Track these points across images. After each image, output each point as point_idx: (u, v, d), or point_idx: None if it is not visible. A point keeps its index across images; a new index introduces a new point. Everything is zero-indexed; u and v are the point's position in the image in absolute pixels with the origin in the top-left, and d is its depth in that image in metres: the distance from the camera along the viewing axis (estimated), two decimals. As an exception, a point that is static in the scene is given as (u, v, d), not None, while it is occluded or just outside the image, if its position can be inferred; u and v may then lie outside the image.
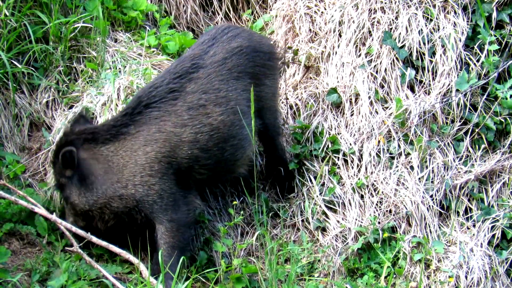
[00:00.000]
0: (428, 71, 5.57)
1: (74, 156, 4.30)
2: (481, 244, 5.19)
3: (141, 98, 4.44)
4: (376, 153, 5.31)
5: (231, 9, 6.44)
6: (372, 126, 5.34)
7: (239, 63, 4.72)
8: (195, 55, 4.66)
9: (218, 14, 6.41)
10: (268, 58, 4.96)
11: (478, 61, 5.65)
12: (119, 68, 5.37)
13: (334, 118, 5.48)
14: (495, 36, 5.65)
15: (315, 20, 5.83)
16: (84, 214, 4.42)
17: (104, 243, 4.21)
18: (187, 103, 4.46)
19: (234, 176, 4.96)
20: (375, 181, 5.23)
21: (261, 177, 5.41)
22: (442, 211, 5.33)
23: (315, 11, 5.85)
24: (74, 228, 4.22)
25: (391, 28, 5.59)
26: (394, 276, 4.91)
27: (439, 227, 5.26)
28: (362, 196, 5.23)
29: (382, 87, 5.52)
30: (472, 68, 5.64)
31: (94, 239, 4.21)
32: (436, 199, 5.28)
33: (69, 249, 4.24)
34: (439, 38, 5.59)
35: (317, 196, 5.23)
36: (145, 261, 4.53)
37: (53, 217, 4.21)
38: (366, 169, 5.27)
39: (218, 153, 4.54)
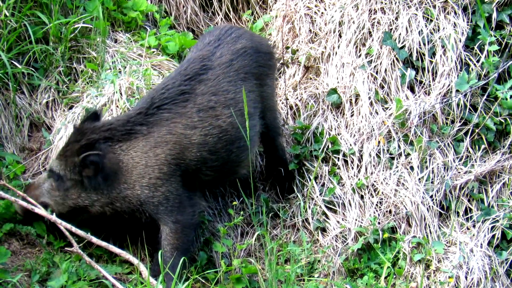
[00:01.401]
0: (428, 71, 5.57)
1: (99, 163, 4.22)
2: (481, 244, 5.19)
3: (154, 100, 4.43)
4: (376, 154, 5.31)
5: (231, 9, 6.44)
6: (372, 126, 5.35)
7: (245, 64, 4.75)
8: (203, 56, 4.66)
9: (218, 15, 6.42)
10: (268, 58, 4.99)
11: (478, 61, 5.66)
12: (119, 69, 5.37)
13: (334, 118, 5.48)
14: (495, 36, 5.66)
15: (315, 20, 5.84)
16: (78, 208, 4.37)
17: (104, 244, 4.21)
18: (197, 105, 4.46)
19: (236, 177, 4.96)
20: (375, 181, 5.24)
21: (261, 177, 5.42)
22: (442, 212, 5.33)
23: (315, 12, 5.86)
24: (74, 229, 4.20)
25: (391, 29, 5.60)
26: (394, 276, 4.91)
27: (439, 228, 5.26)
28: (362, 197, 5.23)
29: (382, 87, 5.52)
30: (472, 69, 5.64)
31: (94, 239, 4.20)
32: (436, 200, 5.29)
33: (69, 250, 4.24)
34: (439, 38, 5.59)
35: (317, 196, 5.23)
36: (144, 261, 4.53)
37: (53, 217, 4.20)
38: (366, 169, 5.28)
39: (225, 155, 4.55)
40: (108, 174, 4.26)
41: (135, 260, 4.19)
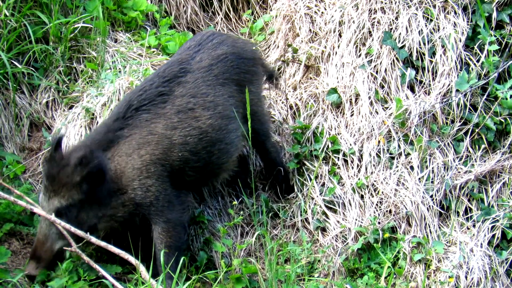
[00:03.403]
0: (428, 71, 5.57)
1: (101, 167, 4.18)
2: (481, 244, 5.19)
3: (131, 102, 4.43)
4: (376, 153, 5.31)
5: (231, 9, 6.44)
6: (372, 126, 5.35)
7: (225, 70, 4.77)
8: (182, 59, 4.68)
9: (218, 15, 6.42)
10: (252, 64, 4.99)
11: (478, 61, 5.65)
12: (119, 69, 5.38)
13: (334, 118, 5.48)
14: (495, 36, 5.66)
15: (315, 20, 5.84)
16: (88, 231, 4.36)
17: (103, 243, 4.19)
18: (176, 106, 4.47)
19: (217, 180, 4.98)
20: (375, 181, 5.23)
21: (261, 177, 5.42)
22: (442, 211, 5.33)
23: (315, 11, 5.86)
24: (73, 229, 4.19)
25: (391, 29, 5.60)
26: (394, 276, 4.91)
27: (439, 227, 5.26)
28: (362, 196, 5.23)
29: (382, 87, 5.52)
30: (472, 68, 5.64)
31: (93, 239, 4.18)
32: (436, 199, 5.29)
33: (68, 249, 4.21)
34: (439, 38, 5.59)
35: (317, 196, 5.23)
36: (145, 261, 4.54)
37: (52, 217, 4.18)
38: (366, 169, 5.28)
39: (206, 156, 4.56)
40: (110, 177, 4.26)
41: (134, 260, 4.18)
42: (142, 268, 4.12)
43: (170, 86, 4.52)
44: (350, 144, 5.33)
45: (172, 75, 4.57)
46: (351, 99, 5.48)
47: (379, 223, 5.09)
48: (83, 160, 4.13)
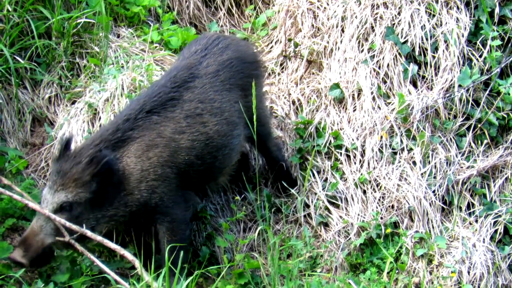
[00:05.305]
0: (431, 66, 5.57)
1: (111, 165, 4.17)
2: (484, 239, 5.19)
3: (145, 106, 4.43)
4: (379, 149, 5.31)
5: (233, 4, 6.43)
6: (375, 121, 5.34)
7: (230, 75, 4.78)
8: (191, 64, 4.68)
9: (221, 10, 6.41)
10: (254, 67, 5.00)
11: (480, 56, 5.65)
12: (122, 64, 5.37)
13: (337, 113, 5.48)
14: (497, 31, 5.66)
15: (317, 15, 5.83)
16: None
17: (99, 238, 4.14)
18: (184, 111, 4.48)
19: (217, 184, 4.98)
20: (377, 176, 5.24)
21: (264, 172, 5.42)
22: (445, 207, 5.33)
23: (317, 7, 5.85)
24: (68, 223, 4.15)
25: (393, 24, 5.59)
26: (397, 271, 4.91)
27: (442, 223, 5.26)
28: (364, 192, 5.23)
29: (385, 82, 5.51)
30: (474, 64, 5.63)
31: (89, 233, 4.14)
32: (438, 195, 5.29)
33: (61, 239, 4.15)
34: (441, 33, 5.59)
35: (319, 191, 5.23)
36: (148, 256, 4.54)
37: (46, 211, 4.15)
38: (368, 164, 5.28)
39: (210, 161, 4.58)
40: (118, 177, 4.26)
41: (129, 256, 4.14)
42: (138, 264, 4.09)
43: (180, 90, 4.54)
44: (353, 139, 5.33)
45: (182, 80, 4.58)
46: (353, 94, 5.48)
47: (381, 218, 5.09)
48: (94, 159, 4.13)
